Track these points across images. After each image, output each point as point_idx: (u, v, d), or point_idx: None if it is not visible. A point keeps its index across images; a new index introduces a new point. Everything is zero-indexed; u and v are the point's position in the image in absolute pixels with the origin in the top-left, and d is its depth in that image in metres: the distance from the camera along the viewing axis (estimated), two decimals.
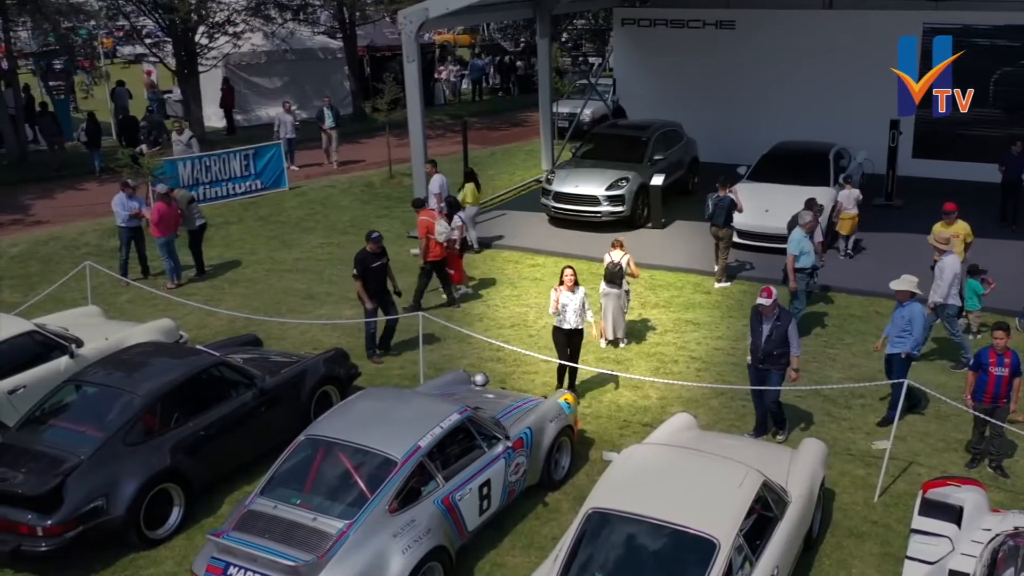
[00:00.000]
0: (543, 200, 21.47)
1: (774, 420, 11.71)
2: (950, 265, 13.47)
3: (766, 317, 11.23)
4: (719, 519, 7.84)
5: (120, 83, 33.40)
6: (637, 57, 27.67)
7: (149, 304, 16.40)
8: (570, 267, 12.70)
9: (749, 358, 11.62)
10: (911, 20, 24.30)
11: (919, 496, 9.48)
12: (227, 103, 32.98)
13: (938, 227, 15.60)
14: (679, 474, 8.76)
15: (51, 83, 31.37)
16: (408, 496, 8.74)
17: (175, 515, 9.98)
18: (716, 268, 17.60)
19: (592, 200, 20.31)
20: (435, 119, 33.30)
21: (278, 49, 34.61)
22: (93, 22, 29.12)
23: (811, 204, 16.21)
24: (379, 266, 14.02)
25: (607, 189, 20.43)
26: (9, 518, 9.01)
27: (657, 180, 21.00)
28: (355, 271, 13.96)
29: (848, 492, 10.70)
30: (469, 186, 20.15)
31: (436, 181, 19.11)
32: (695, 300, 16.70)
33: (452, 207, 17.24)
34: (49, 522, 8.95)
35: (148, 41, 30.79)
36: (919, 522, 9.08)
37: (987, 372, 10.72)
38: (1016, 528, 8.45)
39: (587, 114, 29.92)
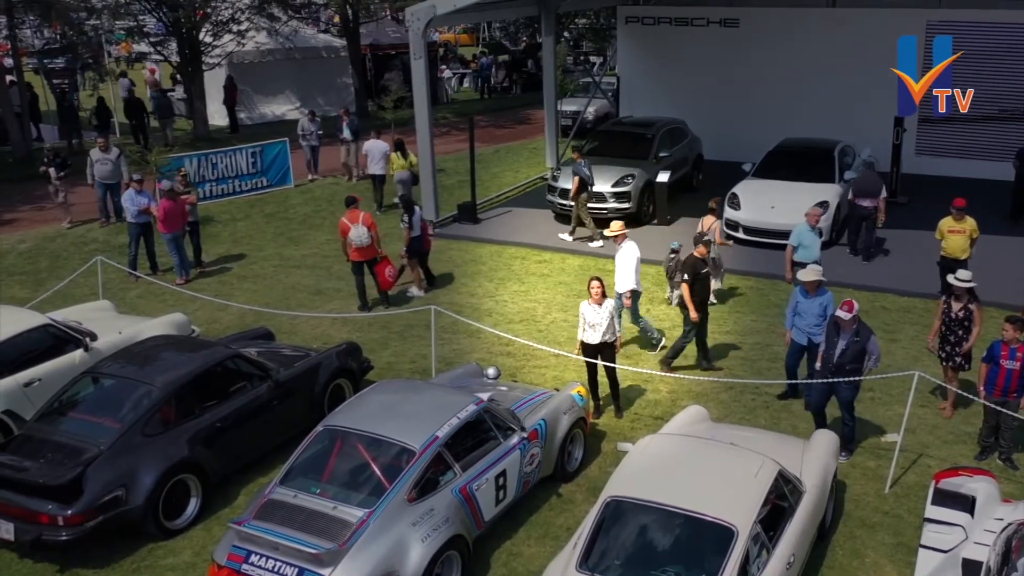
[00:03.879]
0: (548, 197, 21.54)
1: (844, 436, 11.24)
2: None
3: (844, 331, 10.89)
4: (737, 507, 7.91)
5: (123, 74, 33.69)
6: (641, 55, 27.72)
7: (159, 299, 16.47)
8: (597, 279, 11.96)
9: (819, 364, 11.26)
10: (914, 18, 24.34)
11: (931, 486, 9.57)
12: (230, 101, 33.06)
13: (948, 221, 15.69)
14: (695, 463, 8.83)
15: (55, 80, 31.47)
16: (426, 486, 8.80)
17: (192, 506, 10.04)
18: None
19: (598, 197, 20.36)
20: (440, 117, 33.44)
21: (282, 47, 34.73)
22: (100, 20, 29.13)
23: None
24: None
25: (613, 186, 20.50)
26: (30, 507, 9.07)
27: (663, 177, 21.07)
28: None
29: (859, 483, 10.77)
30: (393, 155, 21.52)
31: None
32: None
33: (407, 207, 16.72)
34: (70, 511, 9.01)
35: (152, 39, 30.75)
36: (932, 511, 9.16)
37: (998, 365, 10.80)
38: None
39: (591, 112, 30.04)
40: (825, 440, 10.24)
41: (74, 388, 10.45)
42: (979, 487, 9.44)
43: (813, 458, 9.71)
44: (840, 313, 10.79)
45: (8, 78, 27.74)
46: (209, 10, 28.63)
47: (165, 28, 29.88)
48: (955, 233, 15.46)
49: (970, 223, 15.52)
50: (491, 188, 23.80)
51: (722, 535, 7.67)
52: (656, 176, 21.08)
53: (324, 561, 7.96)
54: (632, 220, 20.24)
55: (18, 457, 9.53)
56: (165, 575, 9.26)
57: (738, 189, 19.95)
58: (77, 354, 11.94)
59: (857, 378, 10.91)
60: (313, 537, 8.11)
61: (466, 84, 46.69)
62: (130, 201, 17.46)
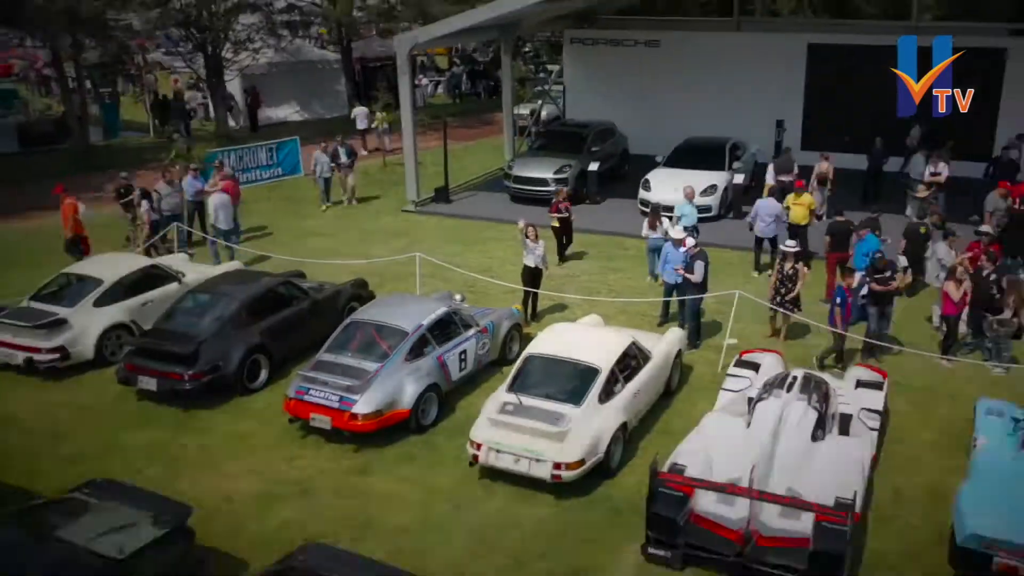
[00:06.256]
0: (505, 183, 26.10)
1: (689, 334, 15.77)
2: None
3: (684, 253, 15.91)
4: (601, 357, 12.54)
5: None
6: (582, 69, 32.23)
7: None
8: (532, 225, 16.95)
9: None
10: (798, 40, 28.98)
11: (736, 357, 14.26)
12: (254, 106, 37.43)
13: (790, 198, 20.31)
14: (580, 336, 13.52)
15: (101, 90, 35.78)
16: (415, 353, 13.37)
17: (263, 375, 14.57)
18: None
19: (543, 182, 24.96)
20: (418, 119, 37.72)
21: (286, 61, 39.05)
22: (139, 39, 33.46)
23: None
24: None
25: (555, 173, 25.10)
26: (166, 369, 13.61)
27: (593, 166, 25.71)
28: None
29: (701, 366, 15.41)
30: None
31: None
32: (616, 253, 21.42)
33: (144, 194, 20.63)
34: (191, 371, 13.56)
35: (181, 52, 35.07)
36: (732, 370, 13.81)
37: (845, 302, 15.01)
38: (788, 374, 13.13)
39: (544, 114, 34.61)
40: (672, 333, 14.92)
41: (183, 300, 14.98)
42: (766, 358, 14.10)
43: (661, 341, 14.39)
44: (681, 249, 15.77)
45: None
46: (231, 32, 32.98)
47: (193, 46, 34.12)
48: (796, 205, 20.03)
49: (807, 199, 20.08)
50: (460, 176, 28.28)
51: (591, 371, 12.30)
52: (588, 166, 25.72)
53: (354, 391, 12.53)
54: (572, 200, 24.77)
55: (154, 339, 14.08)
56: (249, 412, 13.84)
57: (650, 176, 24.45)
58: (174, 285, 16.42)
59: (698, 296, 15.66)
60: (347, 379, 12.69)
61: (440, 90, 51.13)
62: (189, 185, 21.84)
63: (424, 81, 48.42)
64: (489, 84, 49.12)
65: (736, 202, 23.88)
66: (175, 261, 18.03)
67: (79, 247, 19.32)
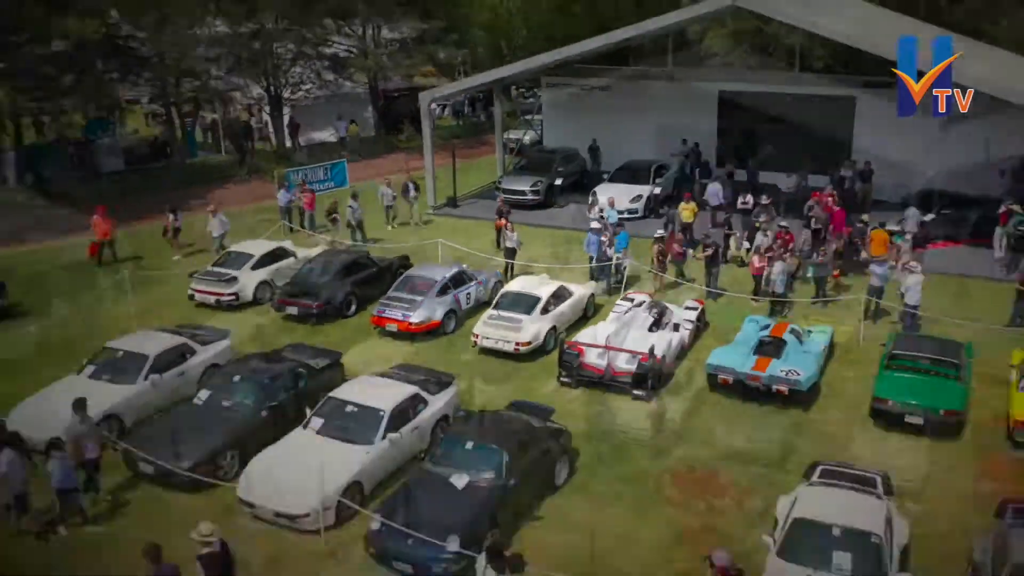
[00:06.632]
0: (496, 193, 36.72)
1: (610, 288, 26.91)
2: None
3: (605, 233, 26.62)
4: (543, 291, 23.17)
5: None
6: (556, 106, 42.80)
7: (308, 244, 31.50)
8: (505, 219, 27.80)
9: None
10: (711, 89, 39.58)
11: (622, 295, 24.89)
12: (294, 131, 48.23)
13: (682, 206, 30.91)
14: (533, 282, 24.19)
15: (187, 118, 46.62)
16: (442, 292, 24.02)
17: (353, 308, 25.18)
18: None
19: (522, 193, 35.61)
20: (417, 140, 48.40)
21: (325, 94, 49.75)
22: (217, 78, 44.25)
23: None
24: None
25: (530, 187, 35.76)
26: (305, 302, 24.30)
27: (559, 181, 36.40)
28: None
29: (608, 305, 26.03)
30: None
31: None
32: (569, 238, 31.98)
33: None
34: (317, 303, 24.26)
35: (252, 95, 45.89)
36: (619, 302, 24.37)
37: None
38: (644, 301, 23.63)
39: (526, 140, 45.35)
40: (588, 285, 25.57)
41: (306, 266, 25.72)
42: (638, 296, 24.60)
43: (581, 287, 25.02)
44: (602, 236, 26.34)
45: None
46: (292, 77, 43.86)
47: (260, 88, 44.91)
48: (684, 210, 30.71)
49: (691, 206, 30.73)
50: (464, 188, 38.73)
51: (536, 298, 22.93)
52: (555, 181, 36.40)
53: (409, 310, 23.25)
54: (542, 206, 35.46)
55: (295, 287, 24.83)
56: (347, 326, 24.50)
57: (597, 188, 34.85)
58: (291, 260, 27.13)
59: (608, 263, 26.37)
60: (405, 304, 23.41)
61: (446, 112, 61.73)
62: (282, 195, 32.61)
63: (433, 106, 59.05)
64: (487, 109, 59.73)
65: (656, 207, 34.52)
66: (282, 245, 28.51)
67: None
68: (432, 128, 37.07)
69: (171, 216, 30.52)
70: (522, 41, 50.96)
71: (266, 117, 47.74)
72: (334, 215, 32.03)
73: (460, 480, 15.12)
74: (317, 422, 16.99)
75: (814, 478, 15.55)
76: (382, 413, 16.89)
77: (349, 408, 17.16)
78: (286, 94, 44.93)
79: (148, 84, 41.55)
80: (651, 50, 45.62)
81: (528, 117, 45.59)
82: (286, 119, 47.57)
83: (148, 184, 40.37)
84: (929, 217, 30.24)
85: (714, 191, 32.83)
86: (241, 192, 39.59)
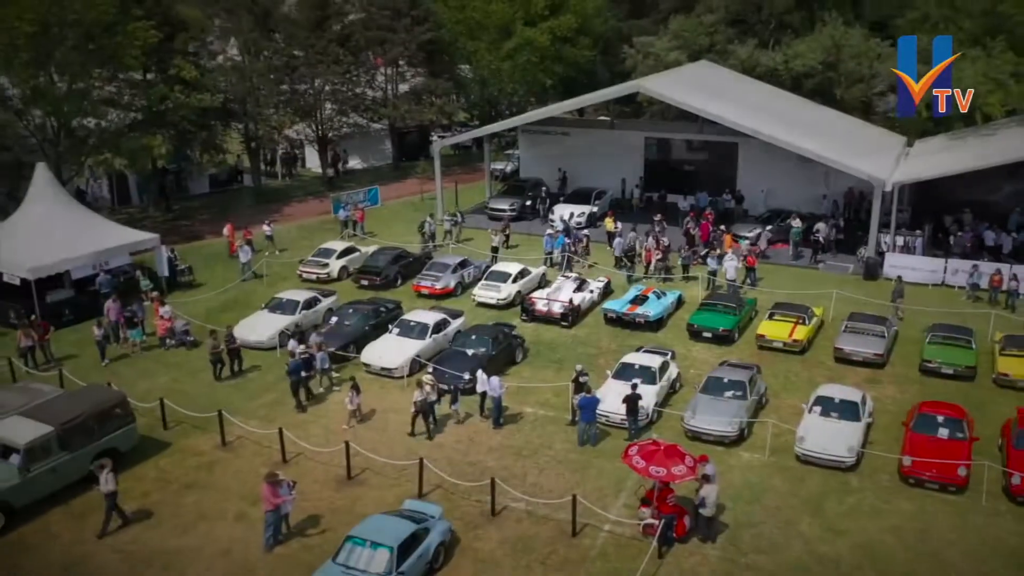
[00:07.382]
0: (485, 210, 52.76)
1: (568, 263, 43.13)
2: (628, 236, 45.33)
3: (567, 235, 42.83)
4: (513, 270, 39.46)
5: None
6: (530, 146, 58.96)
7: (363, 244, 47.42)
8: (495, 230, 44.02)
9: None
10: (638, 135, 55.90)
11: (560, 274, 41.08)
12: (335, 161, 64.45)
13: (606, 218, 47.07)
14: (508, 265, 40.48)
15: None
16: (454, 271, 40.26)
17: (400, 282, 41.32)
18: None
19: (503, 210, 51.71)
20: (429, 171, 64.36)
21: (355, 132, 65.77)
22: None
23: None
24: None
25: (509, 207, 51.95)
26: (371, 278, 40.55)
27: (528, 202, 52.62)
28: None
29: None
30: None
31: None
32: (533, 242, 47.99)
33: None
34: (378, 278, 40.51)
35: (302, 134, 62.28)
36: (560, 276, 40.51)
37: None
38: (573, 276, 39.70)
39: (508, 170, 61.71)
40: (540, 268, 41.84)
41: (370, 256, 42.04)
42: (572, 274, 40.75)
43: (536, 268, 41.26)
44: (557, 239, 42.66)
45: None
46: (337, 123, 60.35)
47: (310, 130, 61.34)
48: (609, 221, 46.83)
49: (611, 219, 46.84)
50: (463, 204, 54.66)
51: (507, 273, 39.22)
52: (526, 202, 52.60)
53: (435, 282, 39.57)
54: (518, 218, 51.50)
55: (365, 268, 41.07)
56: (398, 293, 40.53)
57: (555, 207, 50.93)
58: (358, 253, 43.30)
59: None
60: (433, 277, 39.75)
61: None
62: (341, 212, 48.77)
63: (434, 137, 75.22)
64: (478, 142, 75.78)
65: (593, 222, 50.65)
66: (343, 243, 44.57)
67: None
68: (440, 164, 53.33)
69: (266, 227, 46.69)
70: (510, 90, 66.95)
71: (313, 150, 63.93)
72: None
73: (469, 351, 31.30)
74: (395, 330, 33.20)
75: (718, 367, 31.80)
76: (428, 325, 33.08)
77: (412, 323, 33.35)
78: (330, 134, 61.23)
79: (237, 131, 57.92)
80: (599, 106, 62.13)
81: (509, 152, 62.01)
82: (329, 154, 63.75)
83: (232, 202, 56.61)
84: (769, 228, 46.59)
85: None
86: (304, 208, 55.72)
